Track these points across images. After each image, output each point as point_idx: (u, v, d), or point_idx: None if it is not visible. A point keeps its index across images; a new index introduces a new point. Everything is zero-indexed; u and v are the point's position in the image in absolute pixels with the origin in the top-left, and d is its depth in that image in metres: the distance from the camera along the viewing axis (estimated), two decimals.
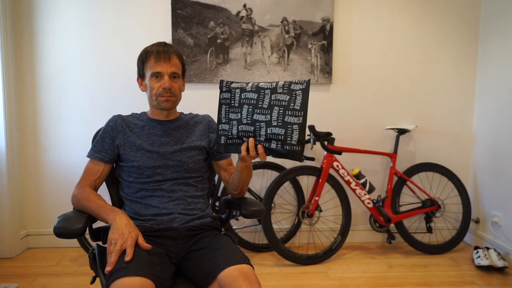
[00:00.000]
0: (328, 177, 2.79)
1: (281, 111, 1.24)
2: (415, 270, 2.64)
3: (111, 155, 1.49)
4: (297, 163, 3.04)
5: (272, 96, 1.26)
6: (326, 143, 2.77)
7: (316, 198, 2.75)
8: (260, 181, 3.08)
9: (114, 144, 1.49)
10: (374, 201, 2.84)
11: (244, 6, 2.91)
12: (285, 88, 1.26)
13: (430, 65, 3.08)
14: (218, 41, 2.93)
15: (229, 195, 1.62)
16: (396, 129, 2.97)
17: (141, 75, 1.52)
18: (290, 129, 1.23)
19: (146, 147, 1.48)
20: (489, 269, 2.62)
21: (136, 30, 2.90)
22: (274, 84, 1.28)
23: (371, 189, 2.86)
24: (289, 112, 1.24)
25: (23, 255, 2.84)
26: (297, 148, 1.24)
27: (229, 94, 1.32)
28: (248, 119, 1.28)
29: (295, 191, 3.06)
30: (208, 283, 1.27)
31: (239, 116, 1.29)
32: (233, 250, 1.34)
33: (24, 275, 2.51)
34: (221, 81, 1.35)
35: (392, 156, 2.96)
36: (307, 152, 3.07)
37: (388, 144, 3.12)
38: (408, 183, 2.99)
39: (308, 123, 3.05)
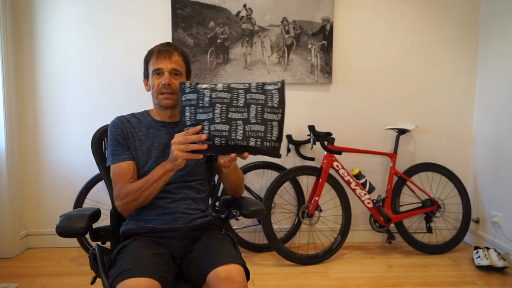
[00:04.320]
0: (328, 177, 2.79)
1: (259, 109, 1.24)
2: (415, 270, 2.64)
3: (130, 150, 1.46)
4: (297, 163, 3.04)
5: (247, 95, 1.26)
6: (326, 143, 2.77)
7: (316, 198, 2.75)
8: (260, 181, 3.08)
9: (127, 143, 1.46)
10: (374, 201, 2.85)
11: (244, 6, 2.91)
12: (259, 89, 1.26)
13: (430, 65, 3.08)
14: (218, 41, 2.93)
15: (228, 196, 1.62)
16: (396, 129, 2.98)
17: (146, 75, 1.53)
18: (270, 125, 1.24)
19: (153, 151, 1.46)
20: (489, 269, 2.62)
21: (136, 30, 2.90)
22: (247, 84, 1.28)
23: (371, 189, 2.86)
24: (268, 109, 1.24)
25: (23, 255, 2.84)
26: (277, 145, 1.25)
27: (195, 95, 1.27)
28: (223, 117, 1.24)
29: (295, 191, 3.07)
30: (202, 284, 1.27)
31: (211, 116, 1.25)
32: (223, 249, 1.33)
33: (24, 275, 2.50)
34: (183, 83, 1.30)
35: (392, 156, 2.96)
36: (307, 152, 3.07)
37: (388, 144, 3.12)
38: (408, 183, 2.99)
39: (308, 123, 3.05)
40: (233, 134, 1.23)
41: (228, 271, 1.22)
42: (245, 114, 1.24)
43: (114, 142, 1.45)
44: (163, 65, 1.44)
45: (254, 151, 1.25)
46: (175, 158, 1.25)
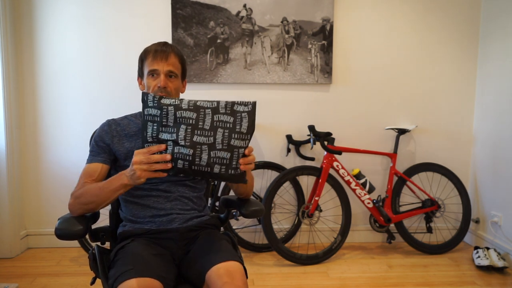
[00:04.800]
0: (328, 177, 2.79)
1: (226, 134, 1.18)
2: (415, 270, 2.64)
3: (108, 154, 1.45)
4: (297, 163, 3.04)
5: (214, 116, 1.18)
6: (326, 143, 2.77)
7: (316, 198, 2.75)
8: (260, 181, 3.08)
9: (109, 147, 1.46)
10: (374, 201, 2.84)
11: (244, 6, 2.91)
12: (227, 109, 1.19)
13: (430, 65, 3.08)
14: (218, 41, 2.93)
15: (228, 195, 1.61)
16: (396, 129, 2.97)
17: (140, 74, 1.51)
18: (236, 152, 1.18)
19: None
20: (489, 269, 2.62)
21: (136, 30, 2.90)
22: (215, 103, 1.20)
23: (371, 189, 2.86)
24: (236, 135, 1.18)
25: (23, 255, 2.84)
26: (241, 171, 1.21)
27: (159, 111, 1.18)
28: (187, 141, 1.16)
29: (295, 191, 3.07)
30: (202, 283, 1.27)
31: (175, 137, 1.17)
32: (220, 247, 1.33)
33: (24, 275, 2.51)
34: (146, 94, 1.20)
35: (392, 156, 2.96)
36: (307, 152, 3.07)
37: (388, 144, 3.12)
38: (408, 183, 2.99)
39: (308, 123, 3.05)
40: (197, 160, 1.17)
41: (227, 267, 1.22)
42: (211, 138, 1.17)
43: (93, 143, 1.47)
44: (159, 66, 1.42)
45: (217, 177, 1.20)
46: (138, 178, 1.18)
